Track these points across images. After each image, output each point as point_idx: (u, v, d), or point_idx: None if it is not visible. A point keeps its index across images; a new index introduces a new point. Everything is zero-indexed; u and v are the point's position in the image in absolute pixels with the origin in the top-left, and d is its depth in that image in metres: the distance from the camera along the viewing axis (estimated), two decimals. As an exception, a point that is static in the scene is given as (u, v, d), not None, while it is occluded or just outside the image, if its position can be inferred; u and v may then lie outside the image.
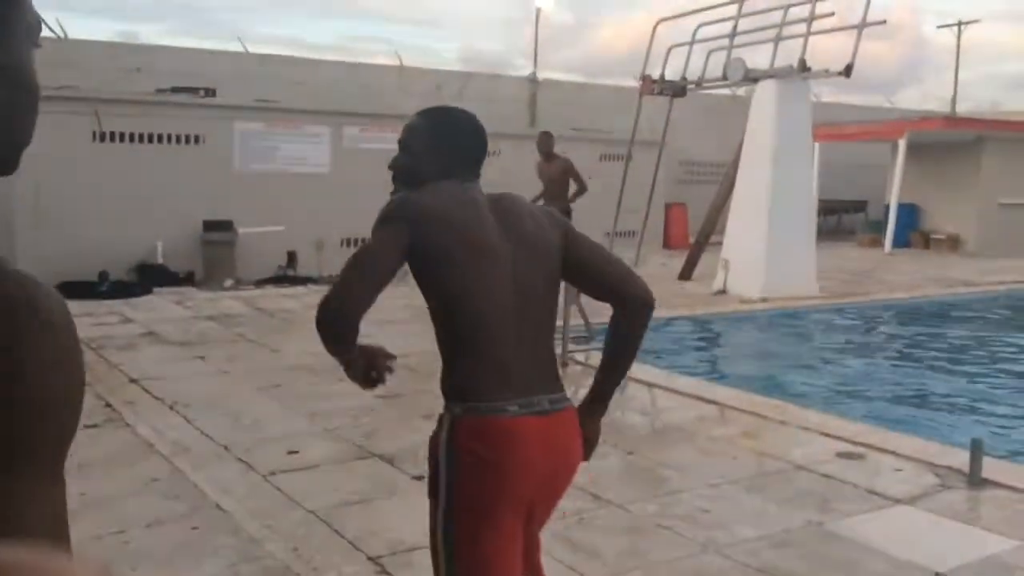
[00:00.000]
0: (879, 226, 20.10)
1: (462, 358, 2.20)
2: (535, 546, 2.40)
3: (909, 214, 20.07)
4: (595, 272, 2.38)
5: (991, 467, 4.98)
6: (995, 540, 4.18)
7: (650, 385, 7.17)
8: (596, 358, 8.49)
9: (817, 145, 15.88)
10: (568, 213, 9.19)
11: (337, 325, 2.11)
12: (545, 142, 10.81)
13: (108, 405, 6.10)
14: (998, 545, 4.12)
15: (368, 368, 2.26)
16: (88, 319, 9.02)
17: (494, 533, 2.15)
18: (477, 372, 2.17)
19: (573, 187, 10.72)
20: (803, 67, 11.93)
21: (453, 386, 2.21)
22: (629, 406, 6.68)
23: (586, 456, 2.41)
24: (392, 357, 2.32)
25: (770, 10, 12.98)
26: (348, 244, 12.89)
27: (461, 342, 2.20)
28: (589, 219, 16.52)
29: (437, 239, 2.16)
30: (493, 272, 2.18)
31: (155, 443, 5.35)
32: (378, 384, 2.29)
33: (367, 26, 42.13)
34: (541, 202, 9.40)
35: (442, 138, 2.34)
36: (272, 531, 4.17)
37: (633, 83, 17.41)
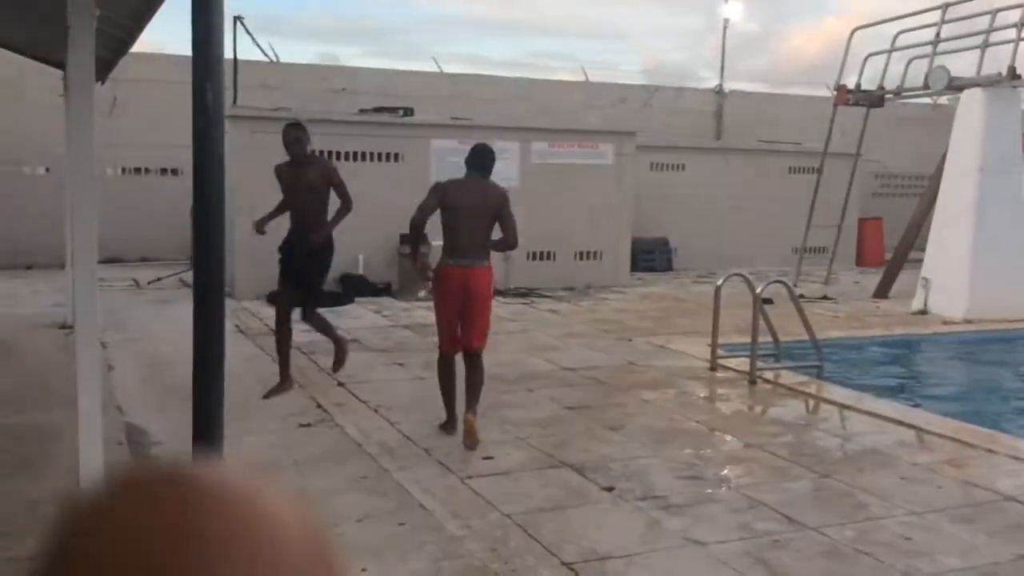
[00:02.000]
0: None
1: (445, 241, 5.78)
2: (472, 328, 5.81)
3: None
4: (502, 223, 5.76)
5: None
6: None
7: (844, 407, 6.97)
8: (785, 376, 8.33)
9: (1029, 156, 14.82)
10: (331, 246, 6.75)
11: (412, 231, 5.80)
12: (294, 138, 6.58)
13: (319, 406, 6.57)
14: None
15: (418, 269, 6.22)
16: (298, 326, 9.67)
17: (443, 308, 5.83)
18: (447, 247, 5.76)
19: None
20: (1012, 74, 11.23)
21: (442, 250, 5.81)
22: (821, 427, 6.53)
23: (490, 278, 5.96)
24: (428, 273, 6.08)
25: (977, 15, 12.29)
26: (535, 257, 13.20)
27: (445, 235, 5.76)
28: (777, 235, 16.27)
29: (444, 197, 5.74)
30: (459, 211, 5.68)
31: (362, 443, 5.72)
32: (422, 278, 6.64)
33: (549, 43, 42.83)
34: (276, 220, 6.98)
35: (468, 157, 5.99)
36: (471, 531, 4.39)
37: (824, 92, 16.89)
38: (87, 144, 4.24)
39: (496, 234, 5.85)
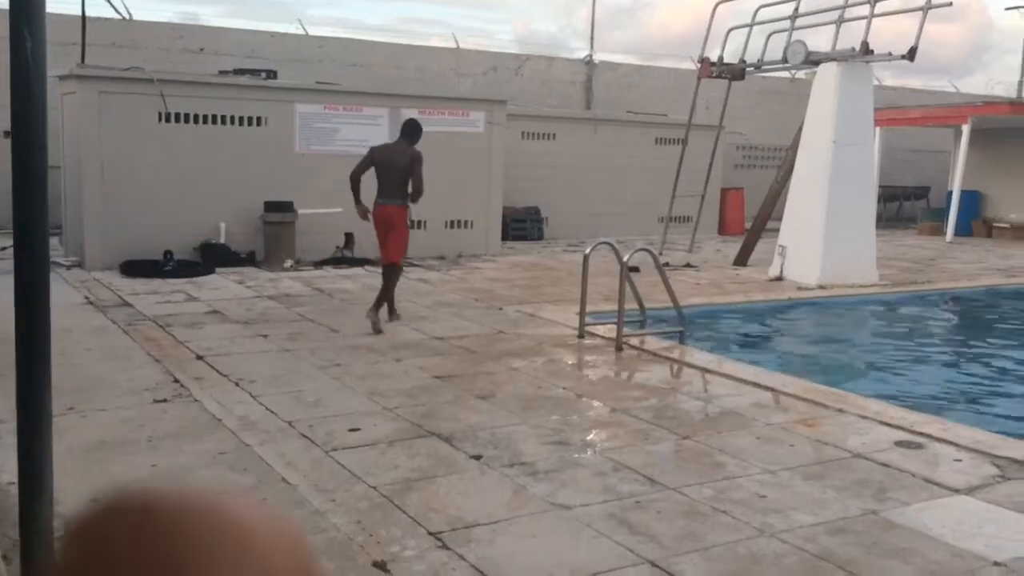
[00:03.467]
0: (941, 213, 19.71)
1: (378, 187, 8.24)
2: (388, 247, 8.36)
3: (972, 201, 19.63)
4: (411, 177, 8.06)
5: (1054, 460, 4.91)
6: (1057, 533, 4.14)
7: (705, 371, 7.18)
8: (650, 342, 8.50)
9: (879, 130, 15.61)
10: None
11: (350, 183, 8.20)
12: None
13: (176, 381, 6.29)
14: (1060, 538, 4.08)
15: (360, 212, 8.34)
16: (154, 297, 9.27)
17: (378, 231, 8.39)
18: (378, 191, 8.20)
19: None
20: (866, 50, 11.73)
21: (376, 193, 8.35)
22: (683, 391, 6.70)
23: (403, 213, 8.34)
24: (366, 212, 8.32)
25: (833, -8, 12.77)
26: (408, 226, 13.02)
27: (378, 182, 8.20)
28: (644, 205, 16.62)
29: (373, 157, 8.27)
30: (381, 166, 8.16)
31: (222, 418, 5.51)
32: (362, 217, 8.42)
33: (422, 8, 42.20)
34: None
35: (400, 128, 8.56)
36: (336, 504, 4.29)
37: (690, 65, 17.27)
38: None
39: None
